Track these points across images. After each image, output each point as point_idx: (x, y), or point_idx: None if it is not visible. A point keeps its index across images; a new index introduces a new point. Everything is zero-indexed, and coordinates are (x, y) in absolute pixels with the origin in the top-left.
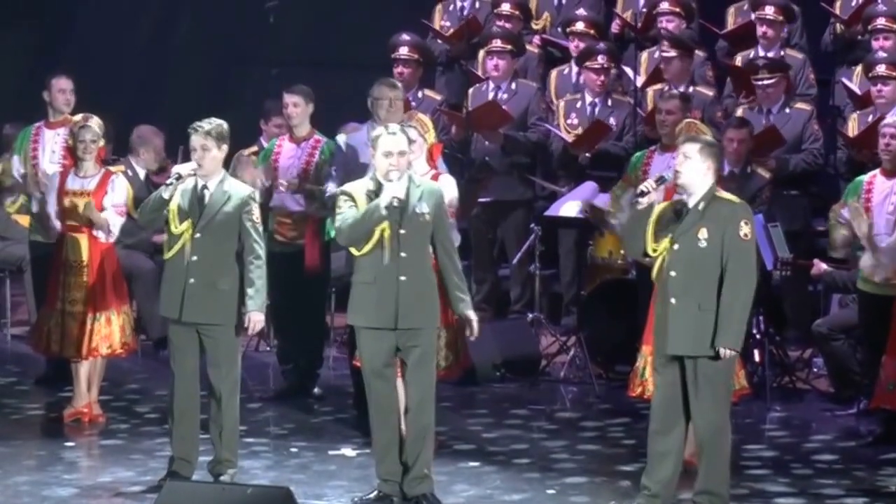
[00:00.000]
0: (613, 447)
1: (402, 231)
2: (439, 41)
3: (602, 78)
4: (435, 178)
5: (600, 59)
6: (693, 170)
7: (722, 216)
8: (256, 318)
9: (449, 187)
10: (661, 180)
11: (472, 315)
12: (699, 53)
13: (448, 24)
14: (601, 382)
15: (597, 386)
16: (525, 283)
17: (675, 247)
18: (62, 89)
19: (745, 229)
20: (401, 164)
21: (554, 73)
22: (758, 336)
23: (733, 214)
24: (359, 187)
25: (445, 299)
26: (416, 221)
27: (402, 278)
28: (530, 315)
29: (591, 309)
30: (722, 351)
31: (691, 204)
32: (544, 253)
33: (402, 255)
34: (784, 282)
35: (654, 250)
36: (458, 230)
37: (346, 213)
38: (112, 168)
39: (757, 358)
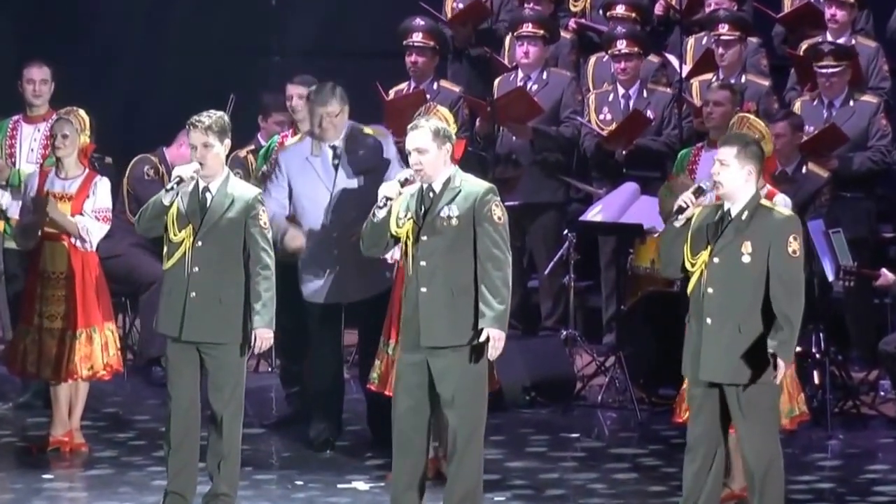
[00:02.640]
0: (657, 479)
1: (423, 237)
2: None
3: (623, 64)
4: None
5: (619, 44)
6: (733, 177)
7: (768, 229)
8: (264, 336)
9: None
10: (699, 192)
11: (490, 332)
12: (752, 40)
13: (460, 4)
14: (643, 407)
15: (639, 411)
16: (557, 296)
17: (715, 260)
18: (31, 79)
19: (793, 245)
20: (422, 164)
21: (592, 61)
22: (817, 355)
23: (781, 228)
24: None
25: None
26: (438, 226)
27: (423, 290)
28: (564, 332)
29: (632, 325)
30: (778, 362)
31: (734, 212)
32: (580, 262)
33: (422, 263)
34: (847, 294)
35: (693, 264)
36: None
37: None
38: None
39: (817, 380)
